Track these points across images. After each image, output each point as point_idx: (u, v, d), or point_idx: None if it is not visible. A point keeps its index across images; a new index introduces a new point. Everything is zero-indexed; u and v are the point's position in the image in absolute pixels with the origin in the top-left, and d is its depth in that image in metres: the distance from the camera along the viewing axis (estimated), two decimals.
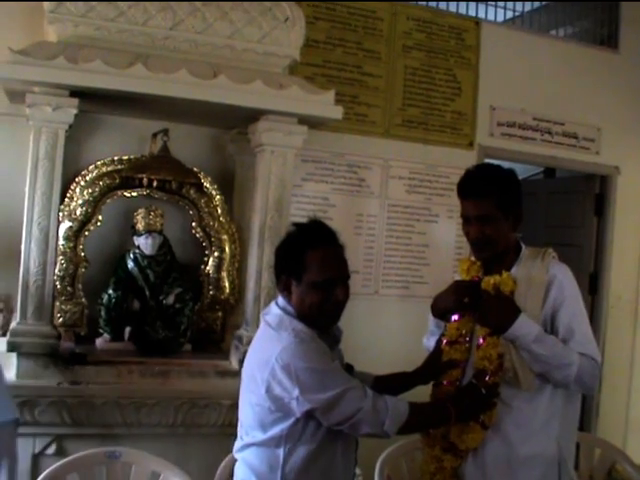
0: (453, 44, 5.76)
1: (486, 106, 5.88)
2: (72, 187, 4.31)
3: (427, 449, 3.04)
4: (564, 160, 6.32)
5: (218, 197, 4.58)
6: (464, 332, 2.97)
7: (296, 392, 2.47)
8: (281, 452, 2.57)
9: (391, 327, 5.47)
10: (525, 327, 2.74)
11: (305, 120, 4.22)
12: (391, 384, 3.09)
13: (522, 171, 7.56)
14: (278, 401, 2.51)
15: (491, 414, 2.81)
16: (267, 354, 2.54)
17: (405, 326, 5.45)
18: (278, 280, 2.71)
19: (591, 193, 6.64)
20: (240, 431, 2.75)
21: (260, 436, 2.59)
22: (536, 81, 6.04)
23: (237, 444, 2.74)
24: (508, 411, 2.82)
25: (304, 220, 2.79)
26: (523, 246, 2.97)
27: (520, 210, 2.92)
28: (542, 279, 2.82)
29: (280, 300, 2.71)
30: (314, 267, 2.60)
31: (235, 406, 3.80)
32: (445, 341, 3.03)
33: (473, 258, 3.12)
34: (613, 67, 6.43)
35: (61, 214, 4.12)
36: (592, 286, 6.53)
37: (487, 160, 5.67)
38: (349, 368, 2.88)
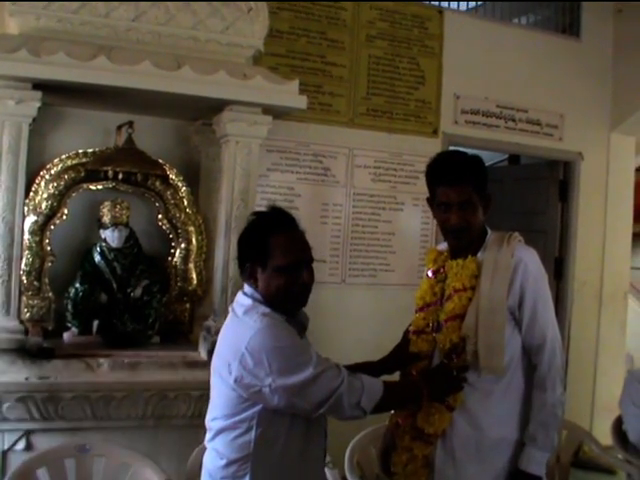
0: (416, 33, 5.79)
1: (450, 94, 5.93)
2: (37, 181, 4.27)
3: (397, 441, 3.05)
4: (528, 147, 6.40)
5: (184, 189, 4.57)
6: (430, 322, 2.99)
7: (269, 380, 2.45)
8: (252, 437, 2.57)
9: (358, 315, 5.51)
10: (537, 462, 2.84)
11: (269, 110, 4.23)
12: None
13: (487, 158, 7.62)
14: (249, 389, 2.50)
15: (456, 395, 2.84)
16: (236, 342, 2.53)
17: (373, 314, 5.50)
18: (243, 269, 2.70)
19: (555, 179, 6.71)
20: (208, 421, 2.75)
21: (230, 422, 2.59)
22: (499, 69, 6.10)
23: (207, 434, 2.74)
24: (477, 395, 2.85)
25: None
26: (489, 231, 2.99)
27: (489, 195, 2.94)
28: (508, 262, 2.83)
29: (247, 288, 2.70)
30: (278, 252, 2.60)
31: (205, 397, 3.84)
32: (412, 331, 3.05)
33: (440, 248, 3.14)
34: (575, 54, 6.52)
35: (26, 208, 4.10)
36: (557, 271, 6.61)
37: (452, 148, 5.70)
38: None
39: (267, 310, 2.59)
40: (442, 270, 3.01)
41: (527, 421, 2.86)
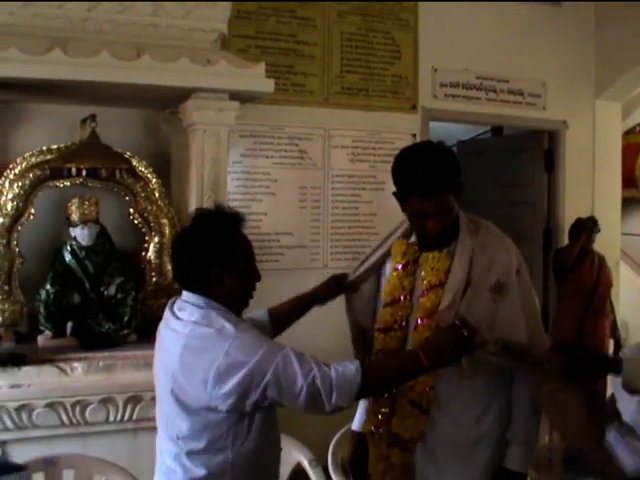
0: (390, 6, 5.65)
1: (428, 68, 5.79)
2: (1, 181, 4.14)
3: (372, 448, 2.86)
4: (511, 118, 6.28)
5: (154, 181, 4.42)
6: (399, 318, 2.81)
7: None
8: (229, 453, 2.41)
9: (341, 300, 5.37)
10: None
11: (236, 95, 4.09)
12: (287, 312, 3.02)
13: (469, 130, 7.51)
14: (232, 396, 2.31)
15: (428, 397, 2.68)
16: (210, 353, 2.33)
17: None
18: (205, 275, 2.46)
19: (540, 149, 6.62)
20: (168, 443, 2.56)
21: (203, 442, 2.41)
22: (478, 39, 5.96)
23: (170, 453, 2.57)
24: (455, 392, 2.70)
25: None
26: (461, 215, 2.80)
27: (462, 183, 2.70)
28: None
29: (195, 298, 2.49)
30: (245, 251, 2.54)
31: None
32: (378, 328, 2.87)
33: (412, 240, 2.93)
34: (556, 21, 6.38)
35: None
36: (546, 243, 6.51)
37: (432, 122, 5.58)
38: None
39: (232, 317, 2.43)
40: (412, 263, 2.83)
41: (507, 416, 2.73)
